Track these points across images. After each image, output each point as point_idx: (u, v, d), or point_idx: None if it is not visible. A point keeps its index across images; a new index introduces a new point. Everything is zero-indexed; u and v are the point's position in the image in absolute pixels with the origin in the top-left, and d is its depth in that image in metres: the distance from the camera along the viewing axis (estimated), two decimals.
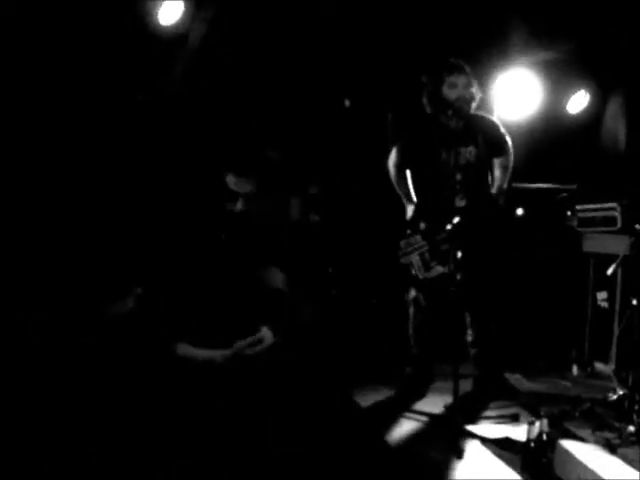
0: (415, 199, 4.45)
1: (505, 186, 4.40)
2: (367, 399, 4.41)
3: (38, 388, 3.83)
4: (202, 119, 4.93)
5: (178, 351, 3.48)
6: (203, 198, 4.29)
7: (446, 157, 4.28)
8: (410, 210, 4.44)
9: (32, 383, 3.86)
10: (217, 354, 3.51)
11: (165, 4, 4.59)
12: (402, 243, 4.32)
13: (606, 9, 5.25)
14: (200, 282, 3.73)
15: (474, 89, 4.29)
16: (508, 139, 4.49)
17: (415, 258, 4.27)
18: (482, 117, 4.46)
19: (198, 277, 3.70)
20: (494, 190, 4.38)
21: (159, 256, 3.91)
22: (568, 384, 4.90)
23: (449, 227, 4.00)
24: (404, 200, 4.48)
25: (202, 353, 3.50)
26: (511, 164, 4.46)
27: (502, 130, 4.47)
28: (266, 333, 3.63)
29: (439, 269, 4.23)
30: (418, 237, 4.30)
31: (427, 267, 4.26)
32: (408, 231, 4.33)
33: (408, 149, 4.47)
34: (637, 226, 4.10)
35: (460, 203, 4.24)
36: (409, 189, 4.47)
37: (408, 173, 4.50)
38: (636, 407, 3.89)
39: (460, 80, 4.25)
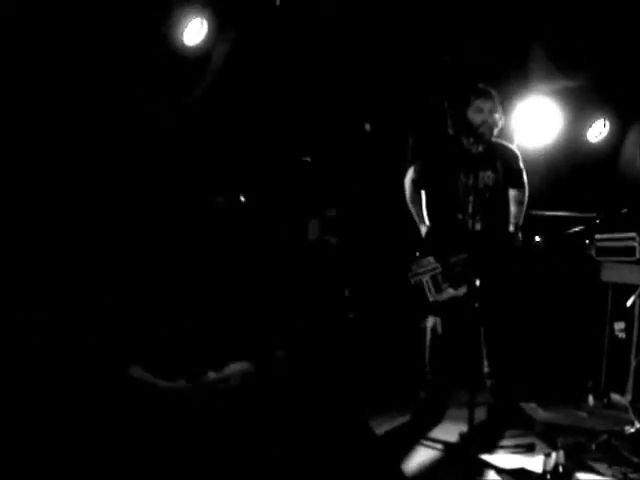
0: (427, 220, 4.44)
1: (521, 222, 4.41)
2: (382, 425, 4.37)
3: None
4: (216, 137, 4.95)
5: (132, 373, 3.43)
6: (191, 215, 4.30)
7: (465, 179, 4.29)
8: (423, 230, 4.43)
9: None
10: (179, 385, 3.44)
11: (190, 25, 4.65)
12: (413, 265, 4.30)
13: (626, 39, 5.25)
14: (172, 309, 3.70)
15: (498, 115, 4.30)
16: (525, 174, 4.48)
17: (426, 279, 4.24)
18: (503, 146, 4.46)
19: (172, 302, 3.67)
20: (511, 227, 4.38)
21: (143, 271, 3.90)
22: (584, 415, 4.84)
23: (467, 253, 4.00)
24: (416, 219, 4.47)
25: (162, 382, 3.45)
26: (526, 199, 4.47)
27: (521, 165, 4.47)
28: (234, 368, 3.56)
29: (450, 291, 4.20)
30: (430, 258, 4.27)
31: (438, 289, 4.22)
32: (417, 253, 4.30)
33: (427, 168, 4.47)
34: None
35: (476, 226, 4.23)
36: (422, 209, 4.47)
37: (423, 193, 4.49)
38: None
39: (486, 105, 4.26)
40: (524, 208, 4.48)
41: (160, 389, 3.49)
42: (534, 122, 5.54)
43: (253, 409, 3.67)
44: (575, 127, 5.76)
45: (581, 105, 5.75)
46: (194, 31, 4.70)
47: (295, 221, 5.08)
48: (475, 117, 4.26)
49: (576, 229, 5.09)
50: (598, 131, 5.85)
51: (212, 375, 3.47)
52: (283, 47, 4.94)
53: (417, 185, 4.49)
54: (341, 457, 3.68)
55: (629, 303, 4.28)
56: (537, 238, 5.34)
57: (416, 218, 4.49)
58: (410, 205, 4.51)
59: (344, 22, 4.99)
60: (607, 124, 5.83)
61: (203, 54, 4.77)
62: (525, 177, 4.49)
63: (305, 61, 5.07)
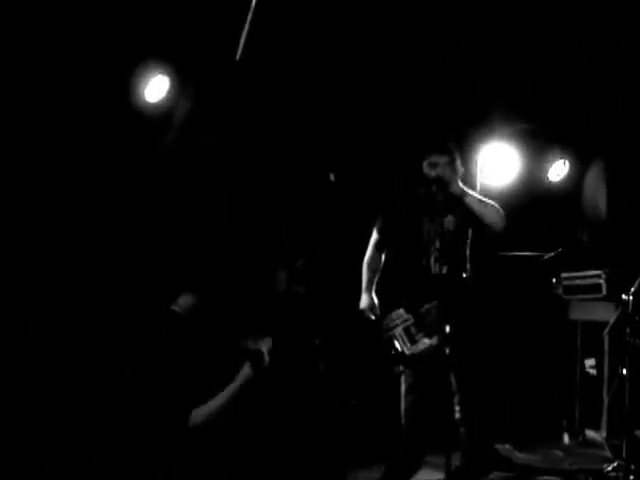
0: (374, 291, 4.42)
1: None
2: (359, 476, 4.34)
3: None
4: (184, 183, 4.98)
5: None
6: None
7: (428, 226, 4.31)
8: (364, 301, 4.35)
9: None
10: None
11: (151, 82, 4.69)
12: (384, 320, 4.27)
13: (583, 81, 5.41)
14: None
15: (456, 165, 4.33)
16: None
17: (399, 332, 4.20)
18: None
19: None
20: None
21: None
22: (560, 454, 4.85)
23: (436, 301, 4.01)
24: (363, 285, 4.38)
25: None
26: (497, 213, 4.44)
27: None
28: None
29: (426, 342, 4.15)
30: (401, 311, 4.24)
31: (412, 340, 4.18)
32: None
33: (388, 223, 4.48)
34: (624, 296, 4.11)
35: (442, 270, 4.25)
36: (375, 276, 4.44)
37: (383, 257, 4.49)
38: (631, 478, 3.85)
39: (442, 159, 4.28)
40: (491, 208, 4.40)
41: None
42: (496, 164, 5.64)
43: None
44: (536, 167, 5.87)
45: (541, 146, 5.87)
46: (156, 88, 4.72)
47: (263, 272, 5.07)
48: (430, 172, 4.29)
49: (548, 255, 5.15)
50: (558, 170, 5.96)
51: None
52: (245, 99, 4.98)
53: (379, 248, 4.48)
54: None
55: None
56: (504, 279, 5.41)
57: (364, 283, 4.39)
58: (365, 267, 4.42)
59: (307, 73, 5.07)
60: (567, 163, 5.94)
61: (165, 110, 4.79)
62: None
63: (268, 113, 5.11)
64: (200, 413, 3.38)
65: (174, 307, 3.54)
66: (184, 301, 3.57)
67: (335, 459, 4.39)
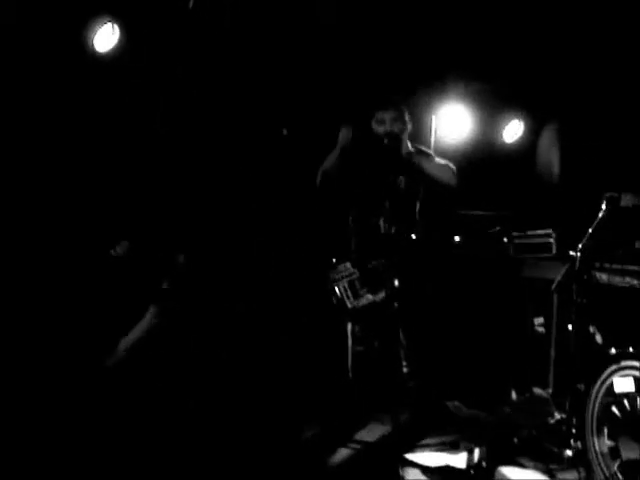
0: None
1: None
2: (307, 430, 4.35)
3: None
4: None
5: None
6: None
7: (379, 186, 4.33)
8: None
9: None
10: None
11: (100, 31, 4.57)
12: (330, 272, 4.27)
13: (539, 41, 5.41)
14: None
15: (405, 120, 4.33)
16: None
17: (343, 285, 4.21)
18: (418, 150, 4.51)
19: None
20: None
21: None
22: (507, 410, 4.92)
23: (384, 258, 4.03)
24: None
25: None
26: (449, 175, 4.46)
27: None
28: None
29: (369, 297, 4.18)
30: (348, 264, 4.26)
31: (356, 295, 4.20)
32: (334, 260, 4.29)
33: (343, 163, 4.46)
34: (571, 252, 4.16)
35: (391, 230, 4.26)
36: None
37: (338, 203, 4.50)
38: (573, 431, 3.92)
39: (388, 115, 4.29)
40: (442, 167, 4.44)
41: None
42: (452, 125, 5.65)
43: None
44: (491, 128, 5.88)
45: (497, 106, 5.88)
46: (105, 37, 4.61)
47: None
48: (378, 128, 4.30)
49: (496, 229, 5.20)
50: (513, 131, 5.98)
51: None
52: (197, 50, 4.90)
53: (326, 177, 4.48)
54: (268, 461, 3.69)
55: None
56: (456, 237, 5.44)
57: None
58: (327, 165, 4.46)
59: (260, 26, 5.00)
60: (522, 124, 5.96)
61: (115, 60, 4.69)
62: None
63: (221, 65, 5.04)
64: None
65: (111, 252, 3.59)
66: (121, 247, 3.61)
67: (287, 415, 4.43)
